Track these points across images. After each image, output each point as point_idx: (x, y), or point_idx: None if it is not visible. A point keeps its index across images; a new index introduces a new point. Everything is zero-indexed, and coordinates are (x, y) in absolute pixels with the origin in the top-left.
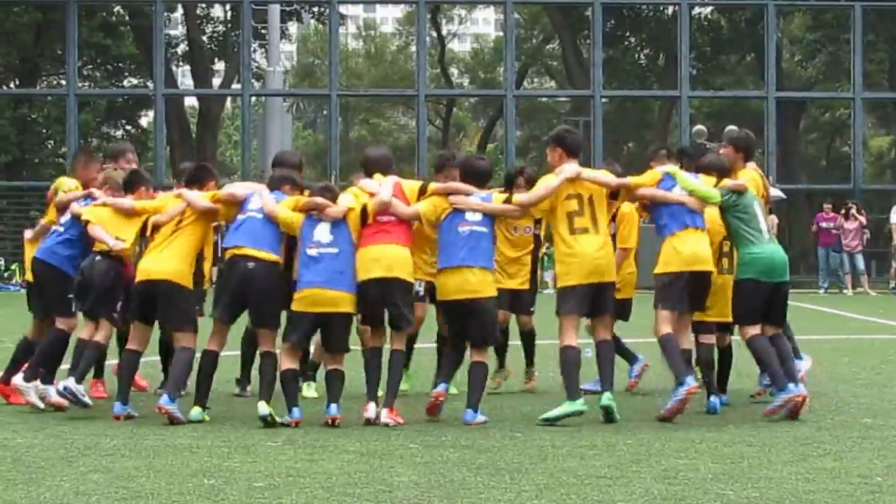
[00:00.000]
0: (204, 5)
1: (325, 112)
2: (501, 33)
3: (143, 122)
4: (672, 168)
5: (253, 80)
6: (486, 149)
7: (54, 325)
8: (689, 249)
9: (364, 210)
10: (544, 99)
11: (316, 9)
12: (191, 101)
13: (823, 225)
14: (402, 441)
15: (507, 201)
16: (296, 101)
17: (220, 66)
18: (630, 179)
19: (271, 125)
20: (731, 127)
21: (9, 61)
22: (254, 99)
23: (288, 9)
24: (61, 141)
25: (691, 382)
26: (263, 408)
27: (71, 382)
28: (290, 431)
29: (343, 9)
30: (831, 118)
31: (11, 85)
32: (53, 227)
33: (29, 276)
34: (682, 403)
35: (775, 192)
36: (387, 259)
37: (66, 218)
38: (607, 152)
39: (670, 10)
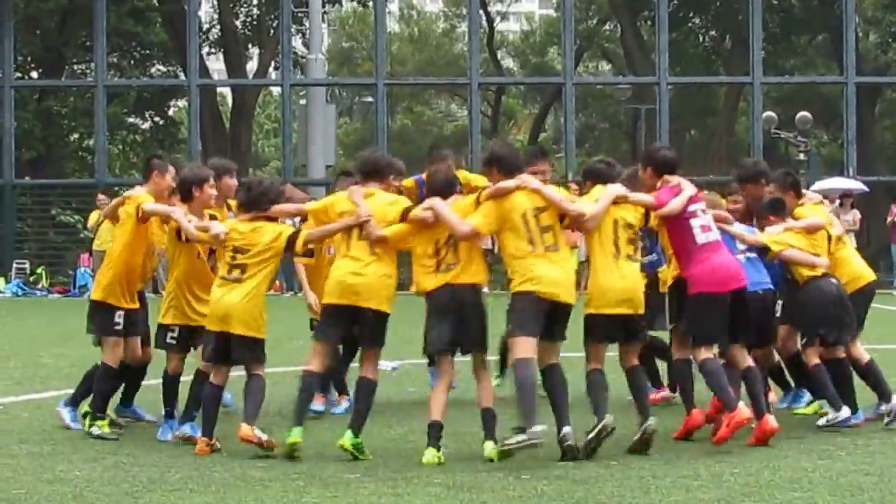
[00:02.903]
0: None
1: (358, 99)
2: (546, 12)
3: (171, 112)
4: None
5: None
6: (538, 138)
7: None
8: None
9: None
10: (598, 86)
11: None
12: (220, 89)
13: None
14: (490, 471)
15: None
16: (331, 87)
17: (253, 51)
18: None
19: (313, 116)
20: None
21: (32, 50)
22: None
23: None
24: (88, 135)
25: None
26: None
27: None
28: (367, 463)
29: None
30: None
31: (34, 75)
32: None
33: None
34: None
35: (854, 184)
36: None
37: None
38: (670, 141)
39: None
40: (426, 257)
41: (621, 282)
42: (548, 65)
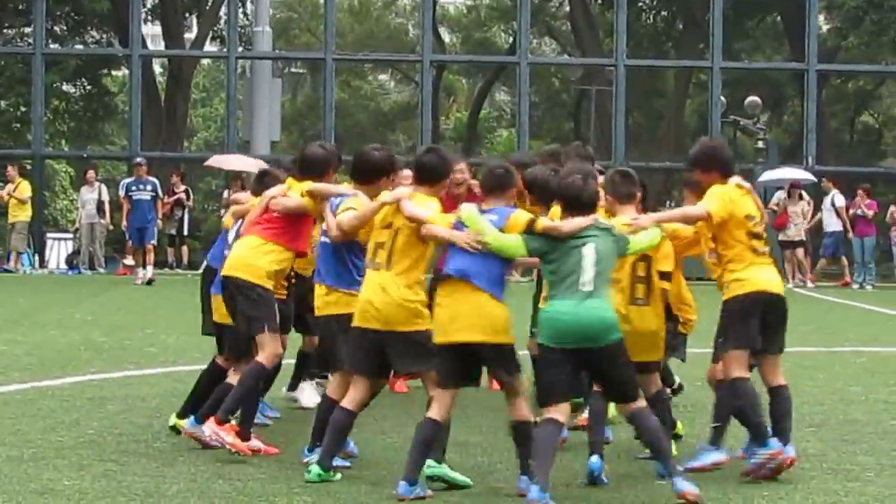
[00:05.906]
0: None
1: (288, 70)
2: None
3: (106, 81)
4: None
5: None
6: (479, 115)
7: None
8: None
9: None
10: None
11: None
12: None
13: (858, 212)
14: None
15: None
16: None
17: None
18: None
19: (258, 91)
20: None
21: None
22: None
23: None
24: (24, 103)
25: None
26: None
27: None
28: (374, 476)
29: None
30: (855, 87)
31: None
32: None
33: None
34: None
35: (802, 175)
36: None
37: None
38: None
39: None
40: None
41: None
42: (490, 40)
